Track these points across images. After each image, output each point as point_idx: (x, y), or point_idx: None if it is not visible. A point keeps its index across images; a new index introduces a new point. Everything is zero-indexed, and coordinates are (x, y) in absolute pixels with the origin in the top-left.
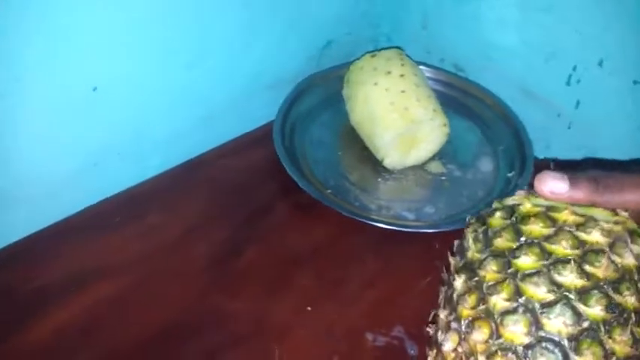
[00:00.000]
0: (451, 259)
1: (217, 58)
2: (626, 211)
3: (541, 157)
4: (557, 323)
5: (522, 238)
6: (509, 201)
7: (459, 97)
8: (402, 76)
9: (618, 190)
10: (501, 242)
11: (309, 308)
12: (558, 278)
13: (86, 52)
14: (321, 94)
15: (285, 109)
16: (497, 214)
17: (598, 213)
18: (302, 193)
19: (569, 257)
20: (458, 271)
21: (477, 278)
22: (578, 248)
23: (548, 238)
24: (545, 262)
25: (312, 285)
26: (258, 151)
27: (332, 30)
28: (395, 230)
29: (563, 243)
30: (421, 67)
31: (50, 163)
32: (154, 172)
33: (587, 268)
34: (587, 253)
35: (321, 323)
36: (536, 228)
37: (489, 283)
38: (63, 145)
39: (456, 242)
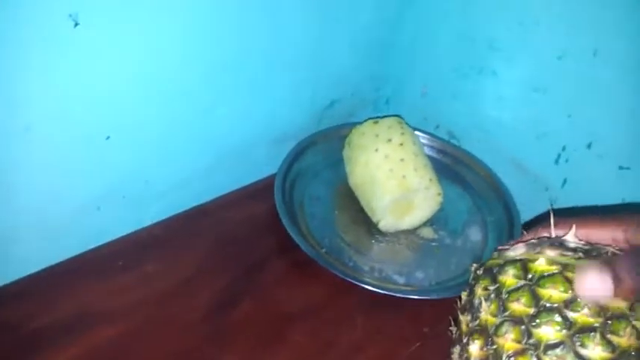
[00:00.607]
0: (461, 317)
1: (230, 108)
2: None
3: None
4: None
5: (541, 303)
6: (511, 255)
7: (451, 164)
8: (401, 144)
9: None
10: (518, 307)
11: None
12: (584, 351)
13: (102, 102)
14: (321, 152)
15: (287, 164)
16: (510, 271)
17: None
18: (298, 249)
19: (593, 326)
20: (472, 335)
21: (494, 346)
22: (600, 315)
23: (568, 305)
24: (568, 332)
25: (305, 343)
26: (258, 204)
27: (339, 90)
28: (386, 294)
29: (585, 310)
30: (417, 132)
31: (55, 205)
32: (156, 219)
33: (612, 337)
34: (609, 320)
35: None
36: (555, 292)
37: (509, 353)
38: (69, 189)
39: (463, 296)
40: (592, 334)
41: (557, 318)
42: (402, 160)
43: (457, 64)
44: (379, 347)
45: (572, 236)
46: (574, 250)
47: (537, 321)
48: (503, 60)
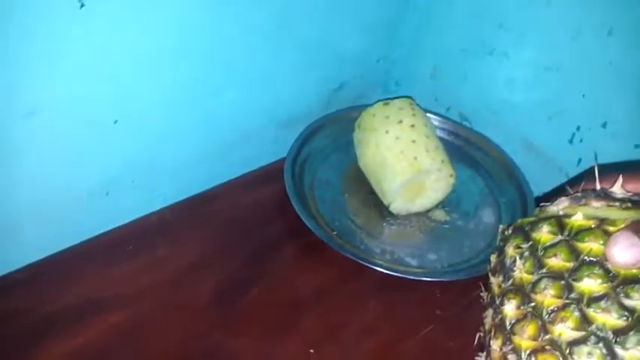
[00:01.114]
0: (492, 279)
1: (237, 90)
2: None
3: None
4: (636, 353)
5: (581, 257)
6: (553, 209)
7: (463, 146)
8: (412, 126)
9: None
10: (556, 262)
11: (311, 351)
12: (629, 302)
13: (109, 86)
14: (331, 135)
15: (296, 148)
16: (545, 228)
17: None
18: (308, 232)
19: (637, 277)
20: (506, 295)
21: (532, 304)
22: None
23: None
24: (612, 284)
25: (316, 327)
26: (268, 188)
27: (347, 73)
28: (398, 277)
29: None
30: (428, 114)
31: (63, 191)
32: (164, 203)
33: None
34: None
35: None
36: (595, 245)
37: (550, 310)
38: (77, 175)
39: (492, 258)
40: (637, 285)
41: (599, 270)
42: (413, 141)
43: (467, 45)
44: (391, 330)
45: (618, 187)
46: (621, 200)
47: (578, 274)
48: (514, 40)
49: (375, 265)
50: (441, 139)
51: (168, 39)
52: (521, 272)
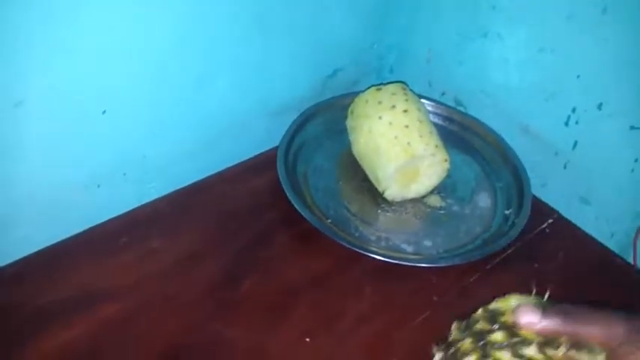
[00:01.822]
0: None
1: (227, 79)
2: None
3: (536, 194)
4: None
5: None
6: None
7: (458, 131)
8: (405, 111)
9: (584, 323)
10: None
11: (307, 339)
12: None
13: (97, 75)
14: (324, 123)
15: (289, 136)
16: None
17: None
18: (302, 221)
19: None
20: None
21: None
22: None
23: None
24: None
25: (311, 316)
26: (261, 177)
27: (341, 59)
28: (393, 263)
29: None
30: (422, 100)
31: (54, 183)
32: (157, 195)
33: None
34: None
35: (319, 355)
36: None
37: None
38: (67, 167)
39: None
40: None
41: None
42: (406, 126)
43: (461, 28)
44: (387, 317)
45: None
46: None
47: None
48: (507, 21)
49: (371, 253)
50: (435, 125)
51: (157, 28)
52: None
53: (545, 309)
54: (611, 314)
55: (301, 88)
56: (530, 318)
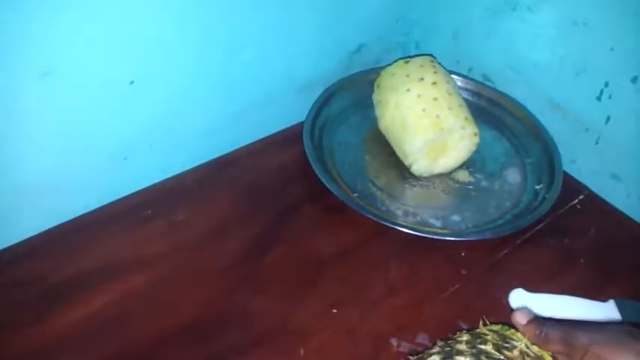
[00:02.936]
0: None
1: (254, 52)
2: None
3: (567, 171)
4: None
5: None
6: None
7: (487, 107)
8: (434, 83)
9: (552, 337)
10: None
11: (334, 310)
12: None
13: (125, 45)
14: (350, 98)
15: (315, 110)
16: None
17: None
18: (329, 195)
19: None
20: None
21: None
22: None
23: None
24: None
25: (337, 288)
26: (287, 152)
27: (365, 34)
28: (421, 237)
29: None
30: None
31: (81, 154)
32: (183, 168)
33: None
34: None
35: (345, 326)
36: None
37: None
38: (94, 138)
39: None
40: None
41: None
42: (435, 99)
43: (489, 2)
44: (415, 290)
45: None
46: None
47: None
48: None
49: (398, 226)
50: (464, 100)
51: (184, 1)
52: None
53: (536, 318)
54: (574, 328)
55: (327, 63)
56: (520, 319)
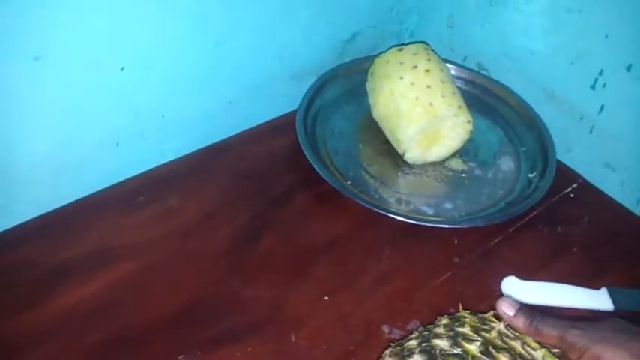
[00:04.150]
0: None
1: (245, 38)
2: None
3: (561, 160)
4: None
5: None
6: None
7: (481, 95)
8: (427, 71)
9: (545, 328)
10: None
11: (326, 298)
12: None
13: (116, 31)
14: (343, 86)
15: (308, 98)
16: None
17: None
18: (322, 183)
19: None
20: None
21: None
22: None
23: None
24: None
25: (329, 275)
26: (280, 140)
27: (359, 22)
28: (414, 225)
29: None
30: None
31: (72, 140)
32: (176, 155)
33: None
34: None
35: (337, 313)
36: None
37: None
38: (86, 124)
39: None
40: None
41: None
42: (428, 86)
43: None
44: (407, 278)
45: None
46: None
47: None
48: None
49: (390, 213)
50: (459, 89)
51: None
52: None
53: (520, 309)
54: (570, 326)
55: (320, 51)
56: (506, 309)
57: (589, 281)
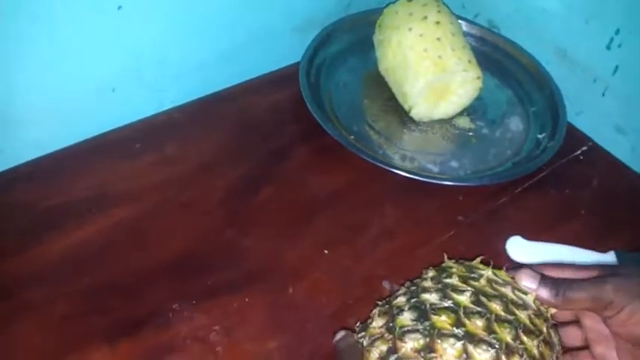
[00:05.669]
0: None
1: None
2: None
3: (571, 122)
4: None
5: None
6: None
7: (491, 53)
8: (437, 23)
9: (574, 294)
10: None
11: (326, 251)
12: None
13: None
14: (349, 39)
15: (312, 50)
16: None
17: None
18: (324, 136)
19: None
20: None
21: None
22: None
23: None
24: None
25: (330, 229)
26: (282, 92)
27: None
28: (417, 181)
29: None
30: None
31: (68, 84)
32: (174, 103)
33: None
34: None
35: (337, 267)
36: None
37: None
38: (81, 66)
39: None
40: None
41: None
42: (438, 39)
43: None
44: (410, 234)
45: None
46: None
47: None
48: None
49: (394, 168)
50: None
51: None
52: None
53: (542, 280)
54: (601, 284)
55: (326, 2)
56: (528, 283)
57: (596, 244)
